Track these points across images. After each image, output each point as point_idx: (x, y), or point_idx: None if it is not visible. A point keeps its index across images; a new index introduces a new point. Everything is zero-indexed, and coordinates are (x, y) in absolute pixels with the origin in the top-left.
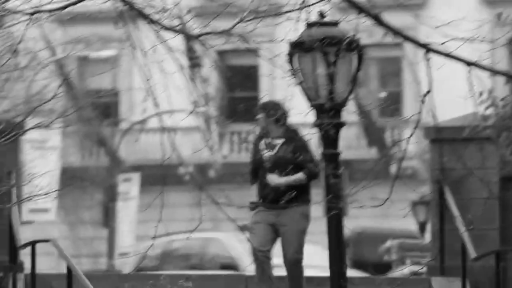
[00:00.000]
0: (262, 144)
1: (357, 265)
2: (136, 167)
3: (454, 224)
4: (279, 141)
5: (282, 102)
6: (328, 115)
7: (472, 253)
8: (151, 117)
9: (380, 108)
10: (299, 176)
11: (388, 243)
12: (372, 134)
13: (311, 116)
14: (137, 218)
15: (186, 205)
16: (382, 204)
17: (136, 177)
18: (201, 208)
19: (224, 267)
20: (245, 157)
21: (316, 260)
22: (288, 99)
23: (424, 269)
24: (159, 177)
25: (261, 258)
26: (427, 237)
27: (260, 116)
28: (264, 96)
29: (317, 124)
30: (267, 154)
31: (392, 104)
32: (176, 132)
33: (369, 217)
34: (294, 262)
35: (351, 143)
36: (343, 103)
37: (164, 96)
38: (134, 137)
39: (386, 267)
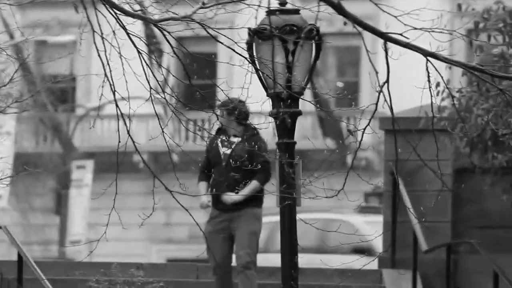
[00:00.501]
0: (218, 141)
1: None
2: (90, 154)
3: (406, 216)
4: (237, 140)
5: (243, 100)
6: (285, 104)
7: (423, 245)
8: (107, 103)
9: (337, 98)
10: (254, 185)
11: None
12: (328, 124)
13: (268, 105)
14: (90, 205)
15: (139, 193)
16: (336, 195)
17: (90, 164)
18: (153, 196)
19: (357, 250)
20: (200, 145)
21: None
22: (246, 87)
23: (376, 261)
24: (113, 164)
25: (221, 274)
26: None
27: (220, 113)
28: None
29: (274, 113)
30: (224, 151)
31: (350, 94)
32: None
33: (323, 208)
34: (245, 265)
35: (307, 133)
36: (300, 92)
37: (122, 82)
38: (90, 123)
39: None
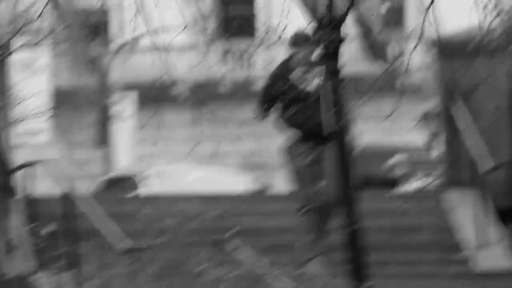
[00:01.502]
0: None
1: (363, 182)
2: (131, 86)
3: (464, 136)
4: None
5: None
6: (328, 29)
7: (487, 164)
8: (142, 35)
9: (383, 21)
10: None
11: (396, 158)
12: (375, 48)
13: (310, 31)
14: (134, 137)
15: (183, 123)
16: (388, 118)
17: (132, 96)
18: (202, 125)
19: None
20: (242, 73)
21: None
22: (286, 15)
23: (436, 182)
24: (155, 96)
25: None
26: (437, 149)
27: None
28: (260, 12)
29: (317, 39)
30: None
31: (395, 17)
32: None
33: (375, 132)
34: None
35: (354, 57)
36: (343, 18)
37: (156, 14)
38: (126, 57)
39: (393, 183)
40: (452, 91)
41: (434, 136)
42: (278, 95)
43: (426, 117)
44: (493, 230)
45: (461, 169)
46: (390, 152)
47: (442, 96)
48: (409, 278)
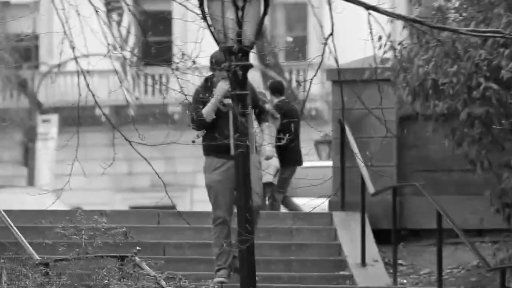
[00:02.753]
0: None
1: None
2: (55, 108)
3: (354, 161)
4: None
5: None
6: (236, 57)
7: (371, 188)
8: (67, 60)
9: (286, 52)
10: (269, 128)
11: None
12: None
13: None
14: (55, 157)
15: (102, 145)
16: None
17: (54, 118)
18: (114, 147)
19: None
20: (157, 99)
21: None
22: (198, 42)
23: (326, 204)
24: (76, 118)
25: (227, 222)
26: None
27: (211, 68)
28: (176, 39)
29: (226, 66)
30: (227, 102)
31: (298, 48)
32: (93, 75)
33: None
34: (257, 209)
35: (258, 85)
36: (250, 46)
37: (81, 40)
38: (52, 79)
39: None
40: (344, 119)
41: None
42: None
43: (319, 143)
44: (373, 250)
45: (350, 192)
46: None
47: (335, 123)
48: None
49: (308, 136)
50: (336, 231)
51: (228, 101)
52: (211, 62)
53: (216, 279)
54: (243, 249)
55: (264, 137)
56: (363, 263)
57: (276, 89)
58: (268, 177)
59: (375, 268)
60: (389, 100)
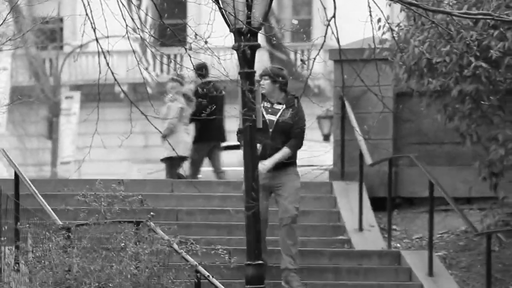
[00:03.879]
0: (262, 108)
1: None
2: (77, 86)
3: (353, 135)
4: (280, 107)
5: (283, 68)
6: (245, 38)
7: (368, 160)
8: (89, 41)
9: (292, 34)
10: (284, 153)
11: None
12: (279, 58)
13: (230, 39)
14: (77, 131)
15: (120, 119)
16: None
17: (77, 95)
18: (131, 121)
19: None
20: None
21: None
22: (210, 24)
23: (327, 174)
24: (97, 95)
25: (263, 226)
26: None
27: (265, 81)
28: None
29: (236, 46)
30: (270, 117)
31: (302, 30)
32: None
33: None
34: (293, 218)
35: (266, 64)
36: (258, 28)
37: (102, 22)
38: (75, 58)
39: None
40: (345, 95)
41: (327, 135)
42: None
43: (321, 118)
44: (370, 216)
45: (350, 164)
46: None
47: (336, 99)
48: (299, 255)
49: (311, 112)
50: (336, 199)
51: (277, 106)
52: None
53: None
54: (249, 215)
55: (273, 156)
56: (360, 228)
57: (200, 70)
58: (169, 153)
59: (371, 233)
60: (386, 78)
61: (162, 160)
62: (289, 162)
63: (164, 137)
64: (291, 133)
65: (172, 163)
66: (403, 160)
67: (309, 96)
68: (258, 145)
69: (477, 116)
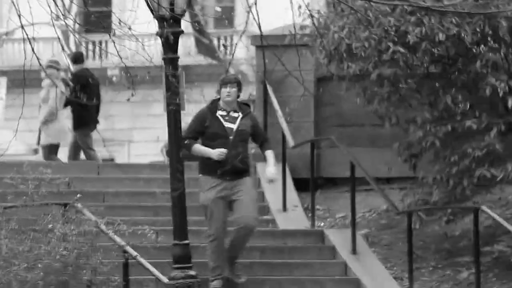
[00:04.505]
0: (218, 115)
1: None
2: (3, 72)
3: (275, 118)
4: (236, 115)
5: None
6: (169, 24)
7: (291, 142)
8: (16, 28)
9: (215, 21)
10: (273, 155)
11: None
12: (203, 44)
13: (154, 26)
14: (4, 116)
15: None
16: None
17: (3, 80)
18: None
19: None
20: (97, 63)
21: None
22: (134, 11)
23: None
24: (23, 80)
25: (220, 239)
26: None
27: (232, 89)
28: (114, 8)
29: (160, 32)
30: (228, 126)
31: (226, 17)
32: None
33: None
34: (251, 229)
35: (189, 50)
36: (181, 14)
37: (27, 8)
38: (0, 45)
39: None
40: (267, 80)
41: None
42: (202, 131)
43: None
44: (293, 197)
45: (273, 145)
46: None
47: (258, 84)
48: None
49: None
50: (260, 179)
51: (234, 114)
52: (219, 84)
53: (212, 285)
54: (174, 196)
55: (269, 161)
56: (284, 208)
57: (76, 58)
58: (50, 139)
59: (295, 213)
60: (307, 63)
61: (41, 145)
62: (247, 169)
63: (45, 122)
64: (258, 138)
65: (50, 149)
66: (324, 142)
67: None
68: (199, 144)
69: (395, 99)
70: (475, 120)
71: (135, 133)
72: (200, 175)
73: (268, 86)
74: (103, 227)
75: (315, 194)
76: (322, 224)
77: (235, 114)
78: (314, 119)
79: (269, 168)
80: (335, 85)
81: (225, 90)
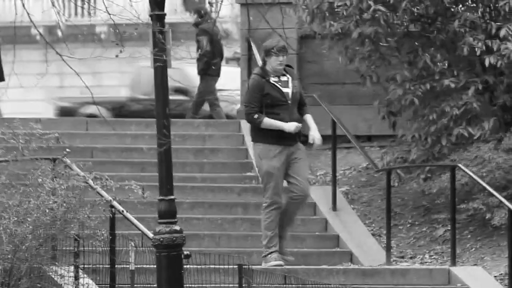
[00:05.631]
0: (273, 82)
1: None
2: None
3: None
4: (286, 78)
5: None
6: None
7: None
8: None
9: None
10: (313, 120)
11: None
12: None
13: None
14: None
15: (37, 61)
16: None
17: None
18: (47, 62)
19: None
20: (86, 19)
21: None
22: None
23: (235, 113)
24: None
25: (280, 205)
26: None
27: (283, 57)
28: None
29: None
30: (285, 90)
31: None
32: None
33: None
34: (306, 194)
35: (176, 8)
36: None
37: None
38: None
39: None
40: (251, 37)
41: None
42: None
43: (229, 60)
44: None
45: None
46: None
47: (243, 41)
48: (209, 191)
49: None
50: (244, 136)
51: (284, 78)
52: (266, 50)
53: (273, 263)
54: (161, 151)
55: (312, 126)
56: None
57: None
58: None
59: None
60: (290, 21)
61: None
62: (301, 134)
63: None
64: (301, 101)
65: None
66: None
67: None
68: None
69: (376, 58)
70: (453, 79)
71: (123, 90)
72: (259, 143)
73: (252, 44)
74: (90, 182)
75: None
76: None
77: (285, 78)
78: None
79: (313, 133)
80: (318, 44)
81: (276, 58)
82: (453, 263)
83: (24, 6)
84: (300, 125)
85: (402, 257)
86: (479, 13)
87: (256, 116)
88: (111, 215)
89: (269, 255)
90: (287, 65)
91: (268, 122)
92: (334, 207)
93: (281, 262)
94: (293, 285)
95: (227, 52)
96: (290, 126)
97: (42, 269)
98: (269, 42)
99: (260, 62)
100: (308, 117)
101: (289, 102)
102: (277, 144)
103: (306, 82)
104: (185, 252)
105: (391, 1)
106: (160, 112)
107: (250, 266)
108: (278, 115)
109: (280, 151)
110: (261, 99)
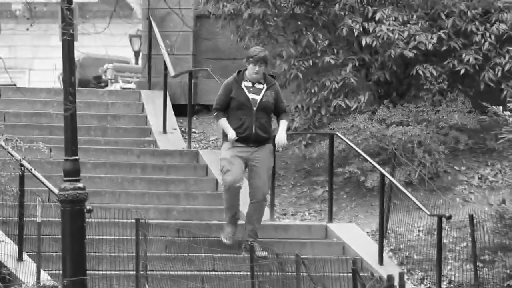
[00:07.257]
0: (243, 87)
1: (81, 84)
2: None
3: (159, 50)
4: (261, 86)
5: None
6: None
7: (171, 71)
8: None
9: None
10: (286, 125)
11: (105, 66)
12: None
13: None
14: None
15: (19, 33)
16: (102, 32)
17: None
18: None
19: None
20: None
21: None
22: None
23: (134, 85)
24: None
25: (234, 190)
26: (140, 62)
27: (260, 67)
28: None
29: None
30: (252, 97)
31: None
32: None
33: (94, 46)
34: (264, 197)
35: None
36: None
37: None
38: None
39: (104, 85)
40: (152, 16)
41: (138, 52)
42: (228, 102)
43: (132, 37)
44: (172, 121)
45: (156, 75)
46: (102, 61)
47: (145, 20)
48: (111, 152)
49: (123, 31)
50: (143, 105)
51: (258, 86)
52: (247, 57)
53: (221, 237)
54: (67, 116)
55: (280, 128)
56: (164, 131)
57: None
58: None
59: (174, 135)
60: (187, 2)
61: None
62: (268, 138)
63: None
64: (278, 110)
65: None
66: (201, 72)
67: (122, 18)
68: (225, 120)
69: (264, 36)
70: (333, 56)
71: (36, 62)
72: (224, 141)
73: (152, 22)
74: (2, 142)
75: (192, 119)
76: (197, 145)
77: (260, 86)
78: (192, 52)
79: (278, 137)
80: (212, 23)
81: (253, 67)
82: (330, 220)
83: None
84: (235, 138)
85: (285, 214)
86: None
87: (215, 114)
88: (20, 173)
89: (223, 232)
90: (271, 75)
91: (221, 123)
92: None
93: (225, 241)
94: (185, 238)
95: (131, 30)
96: (231, 135)
97: None
98: (252, 51)
99: (160, 39)
100: (282, 123)
101: (254, 108)
102: (241, 142)
103: (201, 58)
104: (88, 207)
105: None
106: (66, 80)
107: (146, 220)
108: (240, 119)
109: (238, 146)
110: (227, 100)
